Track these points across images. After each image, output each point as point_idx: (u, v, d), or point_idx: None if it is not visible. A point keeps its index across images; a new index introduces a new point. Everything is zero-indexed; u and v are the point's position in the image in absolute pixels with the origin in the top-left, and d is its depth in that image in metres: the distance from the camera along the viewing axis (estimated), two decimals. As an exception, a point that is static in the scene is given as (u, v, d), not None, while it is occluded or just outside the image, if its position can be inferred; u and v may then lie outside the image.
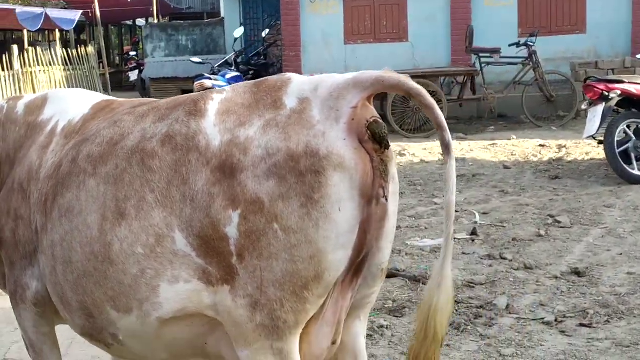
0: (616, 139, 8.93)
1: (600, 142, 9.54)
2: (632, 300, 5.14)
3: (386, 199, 2.42)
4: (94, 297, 2.67)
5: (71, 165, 2.80)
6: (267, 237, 2.34)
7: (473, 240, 6.80)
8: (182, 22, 23.59)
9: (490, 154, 11.44)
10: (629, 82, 9.33)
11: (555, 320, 4.83)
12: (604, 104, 9.06)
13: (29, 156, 3.08)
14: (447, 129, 2.46)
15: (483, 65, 14.55)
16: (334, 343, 2.57)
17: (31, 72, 14.87)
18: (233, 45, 16.54)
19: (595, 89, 9.17)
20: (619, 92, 9.08)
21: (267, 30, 17.53)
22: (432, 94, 13.24)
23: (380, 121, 2.43)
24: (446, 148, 2.46)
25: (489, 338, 4.66)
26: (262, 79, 2.70)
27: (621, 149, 8.96)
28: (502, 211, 7.90)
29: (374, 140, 2.39)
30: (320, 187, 2.32)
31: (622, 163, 8.97)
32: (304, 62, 17.08)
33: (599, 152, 10.20)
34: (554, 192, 8.76)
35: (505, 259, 6.17)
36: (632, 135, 9.13)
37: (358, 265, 2.48)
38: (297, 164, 2.33)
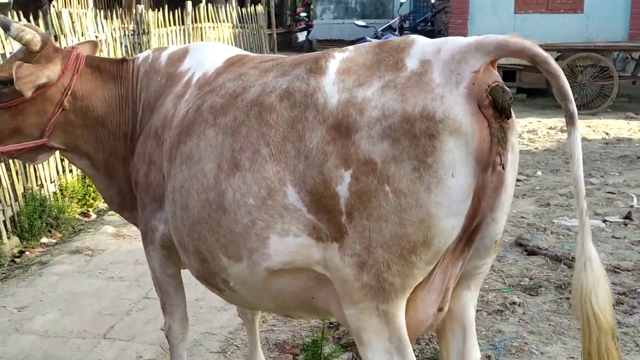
0: None
1: None
2: None
3: (503, 168, 2.35)
4: (207, 243, 2.76)
5: (195, 115, 2.90)
6: (378, 198, 2.32)
7: (626, 225, 6.45)
8: (352, -16, 23.63)
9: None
10: None
11: None
12: None
13: (165, 105, 3.22)
14: (572, 99, 2.33)
15: None
16: (440, 310, 2.54)
17: (201, 28, 15.32)
18: (399, 9, 16.38)
19: None
20: None
21: None
22: (604, 69, 12.61)
23: (505, 88, 2.33)
24: (570, 119, 2.32)
25: (627, 327, 4.44)
26: (386, 39, 2.66)
27: None
28: None
29: (495, 107, 2.31)
30: (434, 151, 2.27)
31: None
32: (471, 30, 16.59)
33: None
34: None
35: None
36: None
37: (470, 234, 2.43)
38: (412, 126, 2.29)
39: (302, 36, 23.89)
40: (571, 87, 2.37)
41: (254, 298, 2.85)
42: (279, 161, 2.52)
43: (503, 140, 2.33)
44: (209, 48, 3.44)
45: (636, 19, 15.49)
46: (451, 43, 2.43)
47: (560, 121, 11.43)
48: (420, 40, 2.51)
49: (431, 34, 16.85)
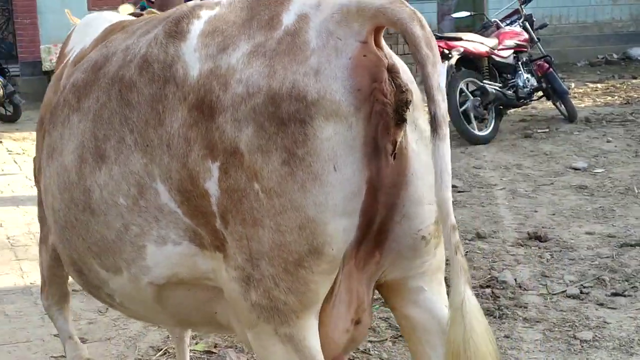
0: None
1: None
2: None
3: (394, 156, 1.88)
4: (79, 252, 2.33)
5: (59, 98, 2.45)
6: (249, 198, 1.87)
7: None
8: None
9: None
10: (466, 40, 8.89)
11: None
12: (446, 62, 8.47)
13: (47, 93, 2.79)
14: (439, 99, 1.80)
15: None
16: (358, 323, 2.09)
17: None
18: None
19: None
20: (461, 49, 8.66)
21: None
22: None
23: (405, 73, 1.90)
24: (432, 123, 1.80)
25: None
26: None
27: (461, 109, 8.63)
28: None
29: (394, 86, 1.84)
30: (306, 140, 1.81)
31: (466, 123, 8.67)
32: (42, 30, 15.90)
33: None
34: None
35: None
36: (470, 95, 8.74)
37: (377, 234, 1.97)
38: (278, 109, 1.83)
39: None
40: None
41: (149, 314, 2.43)
42: (145, 151, 2.06)
43: (400, 120, 1.84)
44: (94, 19, 3.03)
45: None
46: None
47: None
48: None
49: None
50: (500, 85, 9.07)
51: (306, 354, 1.95)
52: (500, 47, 9.17)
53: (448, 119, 1.86)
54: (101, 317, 4.21)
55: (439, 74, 1.80)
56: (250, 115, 1.85)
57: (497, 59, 9.15)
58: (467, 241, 5.35)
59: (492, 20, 10.19)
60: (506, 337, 3.84)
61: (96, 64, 2.31)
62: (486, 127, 8.90)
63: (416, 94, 1.95)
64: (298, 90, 1.82)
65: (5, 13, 16.61)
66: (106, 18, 2.99)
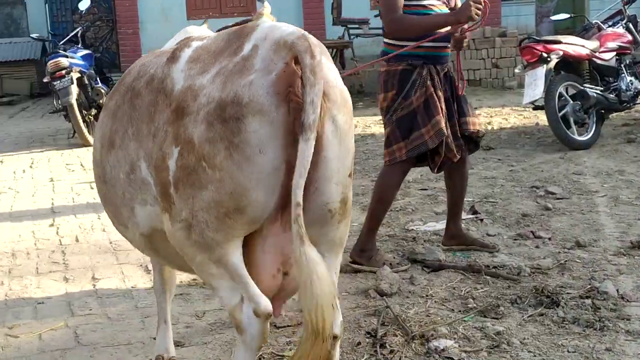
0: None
1: (535, 108, 8.91)
2: None
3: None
4: (108, 213, 3.29)
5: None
6: (197, 172, 2.62)
7: (482, 220, 5.99)
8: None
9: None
10: (566, 43, 8.54)
11: None
12: (544, 66, 8.27)
13: None
14: (310, 112, 2.48)
15: (352, 37, 13.90)
16: (286, 274, 2.76)
17: None
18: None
19: (534, 51, 8.40)
20: (560, 52, 8.34)
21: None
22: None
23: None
24: (301, 127, 2.48)
25: None
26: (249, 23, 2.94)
27: (560, 113, 8.38)
28: (476, 186, 7.04)
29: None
30: (240, 132, 2.54)
31: (565, 128, 8.35)
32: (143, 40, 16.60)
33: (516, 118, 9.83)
34: (503, 162, 8.10)
35: (540, 237, 5.50)
36: (569, 99, 8.41)
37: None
38: (223, 111, 2.56)
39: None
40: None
41: (156, 258, 3.37)
42: (137, 140, 2.89)
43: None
44: (182, 32, 3.60)
45: (308, 19, 16.23)
46: (277, 32, 2.65)
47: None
48: (263, 24, 2.74)
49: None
50: (602, 88, 8.79)
51: (232, 268, 2.68)
52: (602, 49, 8.90)
53: (316, 126, 2.45)
54: (198, 321, 4.29)
55: (315, 92, 2.46)
56: (205, 117, 2.59)
57: (599, 61, 8.88)
58: (565, 250, 5.20)
59: (594, 21, 9.93)
60: (607, 350, 3.69)
61: (123, 75, 3.20)
62: (587, 131, 8.65)
63: (340, 95, 2.65)
64: (237, 97, 2.55)
65: (110, 24, 17.15)
66: (187, 32, 3.57)
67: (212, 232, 2.65)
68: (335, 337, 2.75)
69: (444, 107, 4.85)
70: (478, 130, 5.05)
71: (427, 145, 4.78)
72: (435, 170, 5.03)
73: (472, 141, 5.12)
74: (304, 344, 2.53)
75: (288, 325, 4.06)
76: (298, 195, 2.45)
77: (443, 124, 4.77)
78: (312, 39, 2.59)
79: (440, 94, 4.85)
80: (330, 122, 2.59)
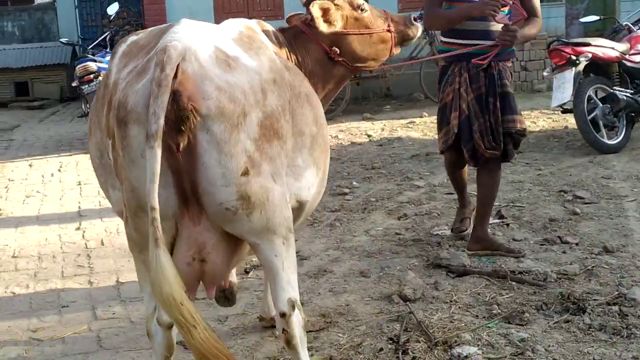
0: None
1: (564, 111, 8.75)
2: None
3: (178, 150, 2.61)
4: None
5: None
6: (119, 167, 2.77)
7: (508, 225, 5.91)
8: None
9: (419, 133, 10.39)
10: (595, 45, 8.38)
11: None
12: (573, 69, 8.15)
13: None
14: (152, 122, 2.55)
15: None
16: (203, 261, 2.82)
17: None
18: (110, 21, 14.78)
19: (563, 53, 8.26)
20: (589, 55, 8.21)
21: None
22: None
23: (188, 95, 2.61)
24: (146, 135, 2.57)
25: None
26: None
27: (589, 117, 8.26)
28: (503, 190, 6.71)
29: (176, 104, 2.58)
30: (126, 136, 2.66)
31: (594, 132, 8.21)
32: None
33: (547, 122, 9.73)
34: (531, 166, 7.96)
35: (567, 242, 5.42)
36: (599, 102, 8.26)
37: (196, 201, 2.72)
38: (118, 112, 2.68)
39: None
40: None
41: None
42: (100, 129, 3.04)
43: (178, 129, 2.59)
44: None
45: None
46: (166, 38, 2.72)
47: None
48: (177, 25, 2.84)
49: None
50: (632, 91, 8.64)
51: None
52: (632, 51, 8.75)
53: (159, 136, 2.51)
54: (220, 326, 4.29)
55: (157, 104, 2.51)
56: (114, 114, 2.71)
57: (629, 64, 8.75)
58: (593, 255, 5.11)
59: (624, 23, 9.76)
60: (634, 358, 3.62)
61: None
62: (616, 135, 8.52)
63: (216, 107, 2.64)
64: (126, 102, 2.65)
65: (139, 27, 17.23)
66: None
67: (132, 231, 2.82)
68: (283, 315, 2.96)
69: (463, 105, 5.03)
70: (524, 128, 5.19)
71: (448, 142, 5.13)
72: (472, 164, 5.25)
73: (512, 139, 5.17)
74: (186, 338, 2.63)
75: (310, 331, 4.04)
76: (151, 200, 2.53)
77: (455, 122, 5.06)
78: (174, 51, 2.62)
79: (462, 92, 5.00)
80: (204, 133, 2.63)
